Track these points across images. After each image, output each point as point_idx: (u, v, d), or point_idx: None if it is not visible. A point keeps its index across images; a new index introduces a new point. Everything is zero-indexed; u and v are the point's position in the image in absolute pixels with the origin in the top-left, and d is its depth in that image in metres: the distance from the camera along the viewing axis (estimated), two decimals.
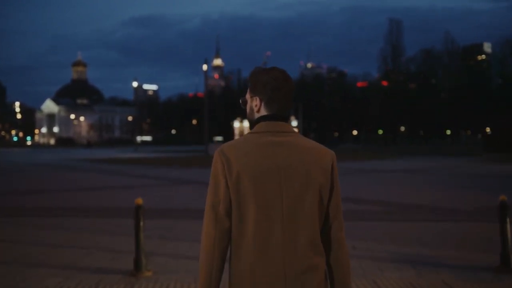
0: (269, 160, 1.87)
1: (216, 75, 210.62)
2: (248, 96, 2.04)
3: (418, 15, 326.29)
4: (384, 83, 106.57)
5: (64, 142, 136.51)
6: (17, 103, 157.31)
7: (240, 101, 2.07)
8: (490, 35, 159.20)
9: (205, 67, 44.97)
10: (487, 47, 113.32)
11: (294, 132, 1.96)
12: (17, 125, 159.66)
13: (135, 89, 63.10)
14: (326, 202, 1.92)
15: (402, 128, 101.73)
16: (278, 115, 1.96)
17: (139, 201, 5.75)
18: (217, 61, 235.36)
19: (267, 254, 1.82)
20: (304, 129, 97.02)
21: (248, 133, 1.97)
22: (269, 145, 1.89)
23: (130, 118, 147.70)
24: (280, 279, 1.82)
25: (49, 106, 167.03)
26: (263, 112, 1.98)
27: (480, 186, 15.56)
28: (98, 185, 16.83)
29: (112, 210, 10.88)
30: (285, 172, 1.86)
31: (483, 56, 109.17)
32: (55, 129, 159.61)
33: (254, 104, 2.00)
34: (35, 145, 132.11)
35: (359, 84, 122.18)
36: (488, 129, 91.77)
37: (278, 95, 1.96)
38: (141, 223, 5.73)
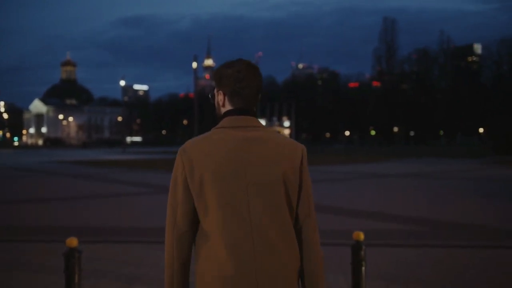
0: (234, 157, 1.78)
1: (207, 76, 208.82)
2: (214, 90, 1.97)
3: (408, 16, 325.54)
4: (376, 83, 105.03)
5: (52, 142, 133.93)
6: (2, 103, 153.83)
7: (209, 96, 1.99)
8: (481, 36, 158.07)
9: (194, 64, 42.98)
10: (477, 48, 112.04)
11: (261, 126, 1.88)
12: (4, 125, 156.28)
13: (123, 88, 60.95)
14: (295, 200, 1.84)
15: (395, 129, 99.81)
16: (244, 109, 1.88)
17: (73, 241, 3.60)
18: (208, 62, 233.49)
19: (235, 259, 1.74)
20: (296, 129, 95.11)
21: (213, 128, 1.89)
22: (234, 141, 1.81)
23: (120, 119, 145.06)
24: (251, 284, 1.74)
25: (37, 106, 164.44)
26: (228, 106, 1.91)
27: (507, 195, 13.53)
28: (64, 193, 14.49)
29: (68, 230, 8.66)
30: (251, 169, 1.78)
31: (474, 58, 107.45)
32: (43, 130, 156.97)
33: (219, 98, 1.93)
34: (22, 145, 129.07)
35: (351, 84, 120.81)
36: (481, 130, 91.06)
37: (242, 87, 1.88)
38: (76, 277, 3.59)
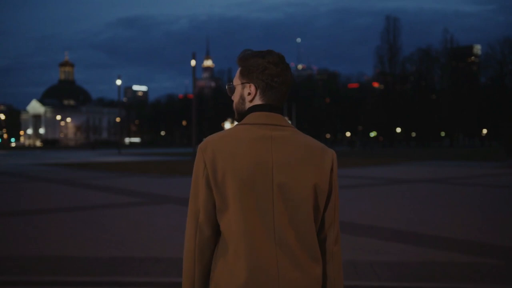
0: (261, 159, 1.62)
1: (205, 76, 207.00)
2: (237, 82, 1.74)
3: (406, 17, 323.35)
4: (375, 84, 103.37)
5: (49, 143, 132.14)
6: None
7: (227, 88, 1.78)
8: (479, 37, 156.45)
9: (193, 62, 41.01)
10: (477, 49, 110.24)
11: (290, 126, 1.71)
12: (1, 126, 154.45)
13: (119, 88, 59.09)
14: (322, 209, 1.68)
15: (398, 130, 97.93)
16: (274, 106, 1.70)
17: None
18: (208, 62, 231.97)
19: (256, 268, 1.58)
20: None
21: (238, 124, 1.71)
22: (263, 140, 1.64)
23: (118, 119, 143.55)
24: None
25: (35, 107, 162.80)
26: (258, 101, 1.70)
27: None
28: (27, 205, 12.55)
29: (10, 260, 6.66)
30: (279, 173, 1.62)
31: (473, 58, 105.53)
32: (41, 131, 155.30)
33: (247, 92, 1.72)
34: (19, 146, 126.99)
35: (351, 85, 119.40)
36: (484, 131, 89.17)
37: (279, 82, 1.69)
38: None
